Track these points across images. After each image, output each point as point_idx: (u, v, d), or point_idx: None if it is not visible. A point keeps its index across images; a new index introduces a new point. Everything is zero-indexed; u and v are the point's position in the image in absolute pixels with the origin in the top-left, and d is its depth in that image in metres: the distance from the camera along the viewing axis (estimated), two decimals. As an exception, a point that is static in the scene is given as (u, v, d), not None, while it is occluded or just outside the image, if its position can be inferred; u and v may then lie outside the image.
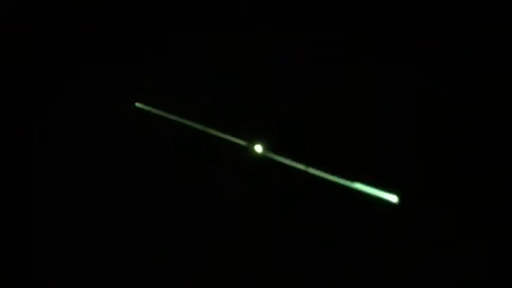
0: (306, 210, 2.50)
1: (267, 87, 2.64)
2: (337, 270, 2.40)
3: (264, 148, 2.57)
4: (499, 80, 2.41)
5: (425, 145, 2.45)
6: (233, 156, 2.58)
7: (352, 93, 2.56)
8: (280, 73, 2.64)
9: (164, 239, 2.55)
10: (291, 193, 2.53)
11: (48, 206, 2.65)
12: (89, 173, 2.67)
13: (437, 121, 2.46)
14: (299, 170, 2.51)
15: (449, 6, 2.47)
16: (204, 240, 2.53)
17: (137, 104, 2.71)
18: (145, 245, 2.56)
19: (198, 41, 2.71)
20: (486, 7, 2.41)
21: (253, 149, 2.57)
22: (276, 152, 2.56)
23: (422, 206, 2.38)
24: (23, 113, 2.70)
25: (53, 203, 2.65)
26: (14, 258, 2.58)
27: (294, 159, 2.53)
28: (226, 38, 2.70)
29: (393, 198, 2.40)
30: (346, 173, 2.46)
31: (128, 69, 2.72)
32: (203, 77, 2.69)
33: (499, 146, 2.36)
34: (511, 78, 2.38)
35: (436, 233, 2.35)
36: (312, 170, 2.49)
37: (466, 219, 2.33)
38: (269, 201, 2.54)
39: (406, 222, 2.38)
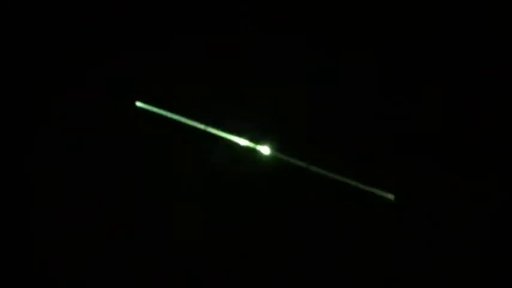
0: (305, 208, 2.63)
1: (269, 88, 2.70)
2: (336, 267, 2.56)
3: (269, 148, 2.66)
4: (497, 80, 2.59)
5: (422, 145, 2.63)
6: (238, 157, 2.64)
7: (352, 93, 2.69)
8: (282, 73, 2.71)
9: (166, 239, 2.58)
10: (290, 191, 2.64)
11: (48, 206, 2.62)
12: (89, 172, 2.65)
13: (435, 121, 2.64)
14: (300, 169, 2.63)
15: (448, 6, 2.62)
16: (208, 240, 2.58)
17: (138, 103, 2.71)
18: (146, 245, 2.58)
19: (199, 41, 2.71)
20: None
21: (258, 150, 2.65)
22: (279, 152, 2.65)
23: (417, 204, 2.59)
24: (23, 113, 2.63)
25: (52, 203, 2.62)
26: (13, 258, 2.57)
27: (296, 158, 2.64)
28: (228, 37, 2.72)
29: (390, 196, 2.61)
30: (346, 172, 2.62)
31: (128, 69, 2.69)
32: (206, 76, 2.70)
33: (496, 145, 2.57)
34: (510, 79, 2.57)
35: (431, 229, 2.57)
36: (313, 169, 2.62)
37: (463, 218, 2.56)
38: (270, 200, 2.63)
39: (402, 219, 2.58)
